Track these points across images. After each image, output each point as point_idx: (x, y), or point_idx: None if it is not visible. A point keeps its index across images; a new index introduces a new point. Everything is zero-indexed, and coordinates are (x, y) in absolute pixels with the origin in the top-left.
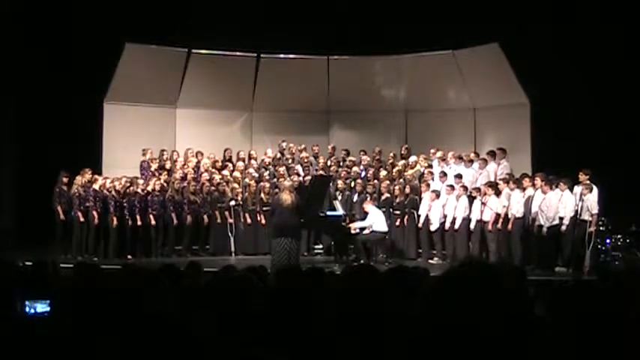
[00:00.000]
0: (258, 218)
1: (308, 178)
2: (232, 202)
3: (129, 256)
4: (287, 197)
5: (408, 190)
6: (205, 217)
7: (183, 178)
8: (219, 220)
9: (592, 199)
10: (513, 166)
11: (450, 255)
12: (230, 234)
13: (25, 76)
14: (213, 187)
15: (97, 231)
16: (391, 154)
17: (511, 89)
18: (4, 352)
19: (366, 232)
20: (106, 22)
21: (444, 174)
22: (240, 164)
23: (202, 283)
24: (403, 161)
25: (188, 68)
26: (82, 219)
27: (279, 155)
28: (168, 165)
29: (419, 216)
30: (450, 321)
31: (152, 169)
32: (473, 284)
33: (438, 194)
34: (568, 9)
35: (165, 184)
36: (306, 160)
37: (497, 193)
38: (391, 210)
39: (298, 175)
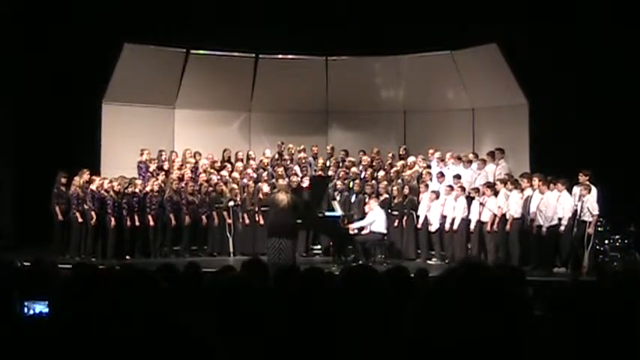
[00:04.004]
0: (257, 219)
1: (306, 178)
2: (231, 203)
3: (127, 257)
4: (283, 197)
5: (406, 190)
6: (204, 217)
7: (181, 178)
8: (217, 221)
9: (592, 200)
10: (512, 166)
11: (449, 256)
12: (228, 234)
13: (24, 76)
14: (211, 188)
15: (95, 231)
16: (390, 155)
17: (510, 90)
18: (3, 353)
19: (364, 232)
20: (104, 22)
21: (441, 174)
22: (239, 165)
23: (201, 284)
24: (402, 162)
25: (186, 69)
26: (80, 219)
27: (277, 156)
28: (166, 165)
29: (417, 216)
30: (448, 322)
31: (150, 169)
32: (471, 285)
33: (437, 195)
34: (567, 9)
35: (163, 185)
36: (303, 161)
37: (496, 193)
38: (389, 210)
39: (296, 175)
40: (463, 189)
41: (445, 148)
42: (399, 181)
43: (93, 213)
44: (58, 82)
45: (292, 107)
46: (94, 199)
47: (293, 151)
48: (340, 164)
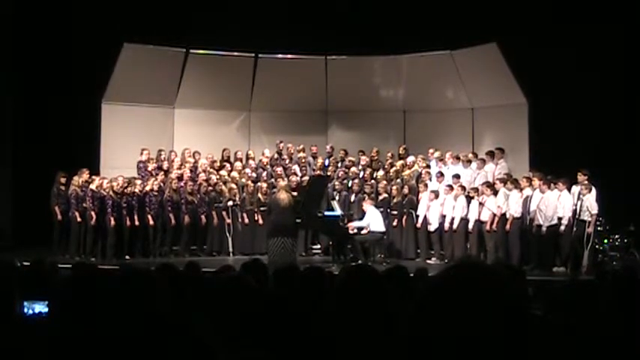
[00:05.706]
0: (256, 218)
1: (306, 178)
2: (230, 203)
3: (127, 257)
4: (284, 197)
5: (406, 190)
6: (203, 217)
7: (180, 178)
8: (216, 221)
9: (591, 200)
10: (511, 166)
11: (449, 255)
12: (228, 234)
13: (23, 76)
14: (210, 187)
15: (94, 231)
16: (389, 154)
17: (509, 89)
18: (3, 353)
19: (364, 232)
20: (104, 22)
21: (440, 174)
22: (238, 164)
23: (201, 284)
24: (401, 161)
25: (186, 68)
26: (79, 219)
27: (276, 155)
28: (165, 165)
29: (417, 216)
30: (447, 321)
31: (149, 169)
32: (470, 284)
33: (437, 194)
34: (566, 8)
35: (162, 184)
36: (303, 160)
37: (496, 193)
38: (389, 210)
39: (296, 175)
40: (463, 188)
41: (444, 147)
42: (399, 180)
43: (92, 213)
44: (57, 81)
45: (292, 107)
46: (93, 198)
47: (292, 151)
48: (339, 164)
